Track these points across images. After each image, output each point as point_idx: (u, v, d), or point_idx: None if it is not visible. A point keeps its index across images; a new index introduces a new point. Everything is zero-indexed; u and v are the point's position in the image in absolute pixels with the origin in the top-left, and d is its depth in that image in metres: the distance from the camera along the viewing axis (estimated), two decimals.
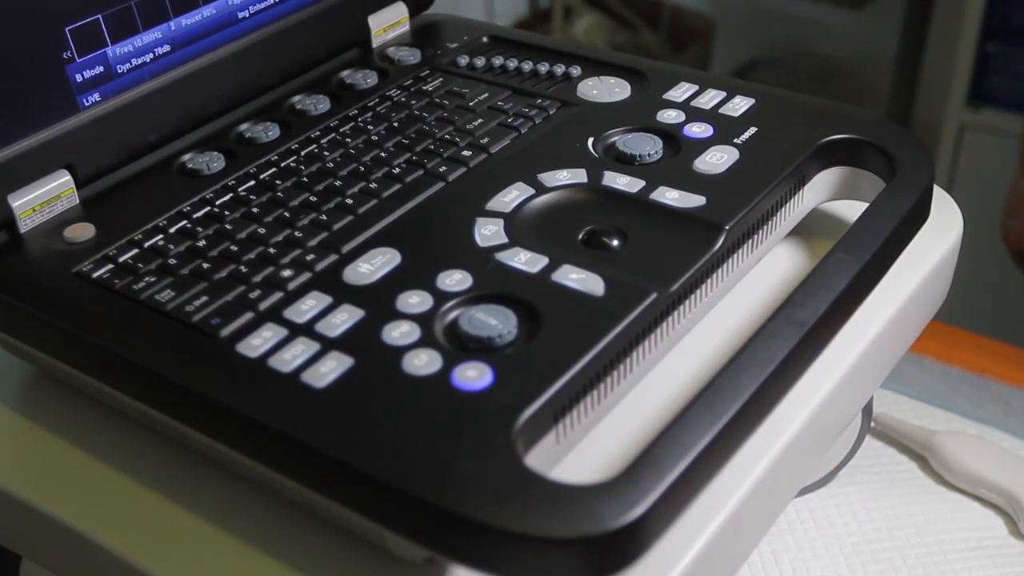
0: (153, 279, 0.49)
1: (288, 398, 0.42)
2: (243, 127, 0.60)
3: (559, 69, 0.64)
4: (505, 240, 0.50)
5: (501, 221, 0.51)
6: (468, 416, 0.41)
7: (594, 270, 0.47)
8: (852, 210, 0.58)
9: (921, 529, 0.66)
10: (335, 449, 0.40)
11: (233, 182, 0.55)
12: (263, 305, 0.47)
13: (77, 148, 0.54)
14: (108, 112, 0.56)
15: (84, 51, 0.54)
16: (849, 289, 0.48)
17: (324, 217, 0.52)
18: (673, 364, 0.50)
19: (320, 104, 0.62)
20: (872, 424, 0.73)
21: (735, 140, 0.56)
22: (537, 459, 0.41)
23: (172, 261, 0.50)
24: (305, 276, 0.48)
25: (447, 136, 0.58)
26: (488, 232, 0.50)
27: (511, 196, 0.53)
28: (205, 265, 0.49)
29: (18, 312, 0.50)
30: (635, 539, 0.38)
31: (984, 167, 1.82)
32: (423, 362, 0.43)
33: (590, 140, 0.57)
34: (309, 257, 0.49)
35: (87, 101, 0.55)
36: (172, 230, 0.52)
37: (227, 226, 0.52)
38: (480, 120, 0.59)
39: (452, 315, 0.46)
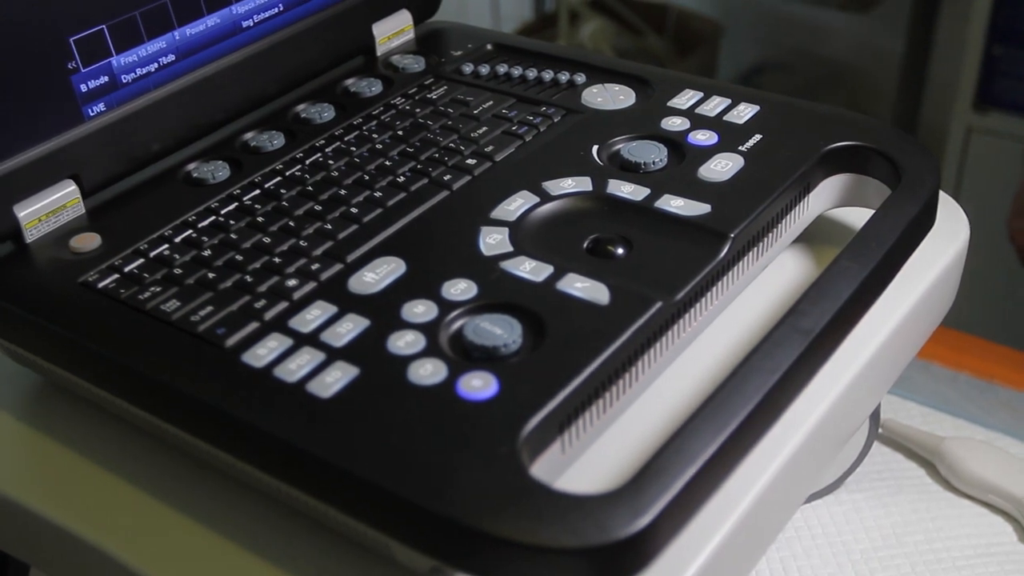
0: (159, 289, 0.49)
1: (293, 408, 0.43)
2: (248, 136, 0.60)
3: (564, 77, 0.64)
4: (510, 249, 0.50)
5: (506, 230, 0.51)
6: (473, 426, 0.41)
7: (599, 279, 0.48)
8: (858, 217, 0.58)
9: (929, 535, 0.67)
10: (340, 459, 0.40)
11: (238, 191, 0.56)
12: (268, 315, 0.47)
13: (82, 158, 0.55)
14: (113, 122, 0.56)
15: (89, 61, 0.54)
16: (855, 296, 0.48)
17: (329, 226, 0.52)
18: (678, 372, 0.50)
19: (325, 113, 0.62)
20: (880, 430, 0.73)
21: (740, 147, 0.56)
22: (542, 469, 0.41)
23: (178, 271, 0.50)
24: (310, 285, 0.48)
25: (452, 144, 0.58)
26: (493, 241, 0.50)
27: (516, 204, 0.53)
28: (210, 275, 0.50)
29: (24, 322, 0.50)
30: (642, 548, 0.38)
31: (991, 170, 1.82)
32: (428, 372, 0.43)
33: (595, 148, 0.57)
34: (314, 266, 0.49)
35: (92, 111, 0.55)
36: (178, 239, 0.52)
37: (232, 235, 0.52)
38: (484, 128, 0.59)
39: (457, 324, 0.46)
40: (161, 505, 0.48)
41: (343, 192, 0.54)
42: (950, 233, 0.59)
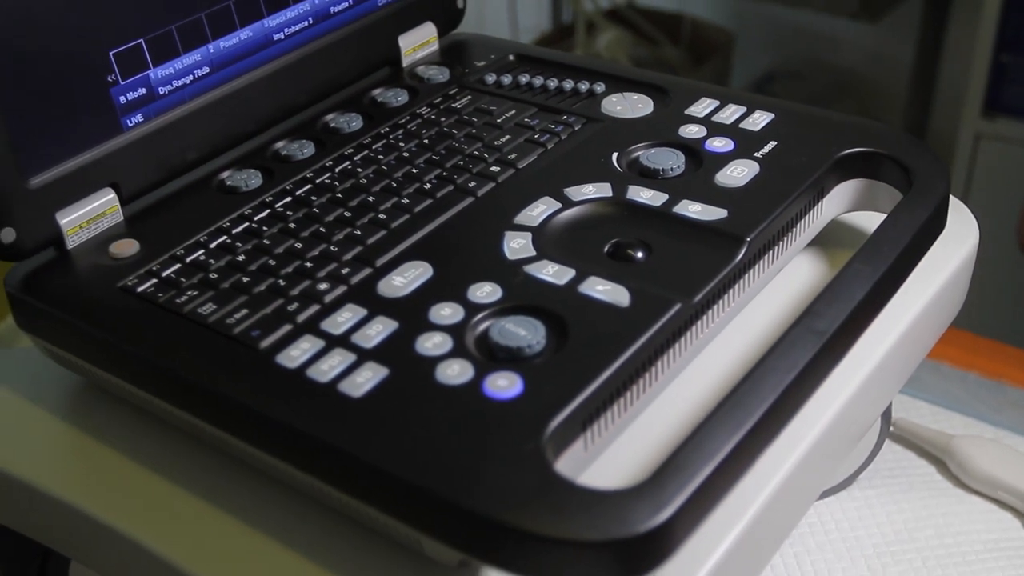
0: (195, 293, 0.49)
1: (326, 407, 0.43)
2: (279, 145, 0.61)
3: (584, 86, 0.64)
4: (533, 253, 0.50)
5: (529, 235, 0.51)
6: (499, 424, 0.41)
7: (620, 281, 0.48)
8: (870, 221, 0.58)
9: (940, 531, 0.67)
10: (372, 456, 0.41)
11: (270, 198, 0.56)
12: (301, 317, 0.47)
13: (121, 167, 0.55)
14: (150, 132, 0.56)
15: (127, 74, 0.55)
16: (867, 299, 0.48)
17: (358, 232, 0.52)
18: (697, 372, 0.50)
19: (353, 122, 0.62)
20: (891, 429, 0.73)
21: (755, 154, 0.56)
22: (566, 465, 0.41)
23: (213, 275, 0.50)
24: (341, 289, 0.49)
25: (476, 152, 0.58)
26: (517, 245, 0.51)
27: (538, 210, 0.53)
28: (245, 279, 0.50)
29: (66, 325, 0.50)
30: (662, 542, 0.38)
31: (1000, 176, 1.81)
32: (455, 372, 0.43)
33: (614, 155, 0.57)
34: (344, 271, 0.50)
35: (130, 122, 0.55)
36: (212, 245, 0.53)
37: (265, 241, 0.52)
38: (508, 136, 0.59)
39: (483, 326, 0.46)
40: (195, 499, 0.48)
41: (371, 199, 0.55)
42: (960, 237, 0.59)
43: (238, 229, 0.54)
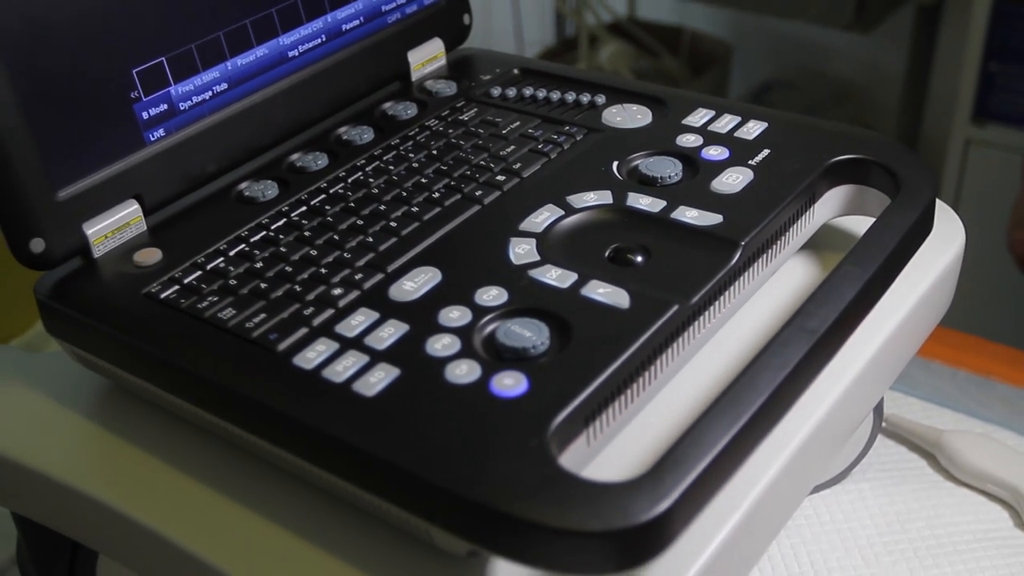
0: (216, 298, 0.50)
1: (341, 406, 0.43)
2: (294, 157, 0.61)
3: (585, 98, 0.64)
4: (537, 258, 0.50)
5: (533, 240, 0.51)
6: (506, 421, 0.41)
7: (620, 284, 0.48)
8: (860, 225, 0.58)
9: (931, 522, 0.67)
10: (385, 452, 0.41)
11: (286, 208, 0.56)
12: (316, 321, 0.47)
13: (144, 179, 0.55)
14: (172, 146, 0.56)
15: (149, 90, 0.55)
16: (857, 299, 0.48)
17: (370, 239, 0.52)
18: (694, 370, 0.50)
19: (364, 134, 0.62)
20: (884, 424, 0.73)
21: (749, 162, 0.56)
22: (570, 459, 0.42)
23: (232, 282, 0.51)
24: (354, 294, 0.49)
25: (482, 162, 0.58)
26: (521, 251, 0.51)
27: (542, 217, 0.53)
28: (262, 285, 0.50)
29: (93, 330, 0.50)
30: (661, 532, 0.38)
31: (989, 180, 1.81)
32: (463, 372, 0.44)
33: (615, 164, 0.57)
34: (357, 276, 0.50)
35: (152, 136, 0.55)
36: (232, 253, 0.53)
37: (282, 249, 0.53)
38: (512, 147, 0.59)
39: (489, 328, 0.46)
40: (217, 494, 0.48)
41: (383, 207, 0.55)
42: (947, 238, 0.59)
43: (256, 237, 0.54)
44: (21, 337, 0.88)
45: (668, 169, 0.56)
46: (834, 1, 1.76)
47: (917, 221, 0.53)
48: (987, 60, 1.78)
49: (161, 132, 0.56)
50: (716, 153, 0.57)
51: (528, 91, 0.66)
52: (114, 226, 0.54)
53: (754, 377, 0.44)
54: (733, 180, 0.55)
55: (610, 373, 0.43)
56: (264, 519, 0.47)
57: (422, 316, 0.47)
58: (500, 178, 0.57)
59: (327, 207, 0.56)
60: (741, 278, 0.51)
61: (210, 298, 0.50)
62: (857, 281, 0.49)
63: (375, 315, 0.47)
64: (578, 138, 0.60)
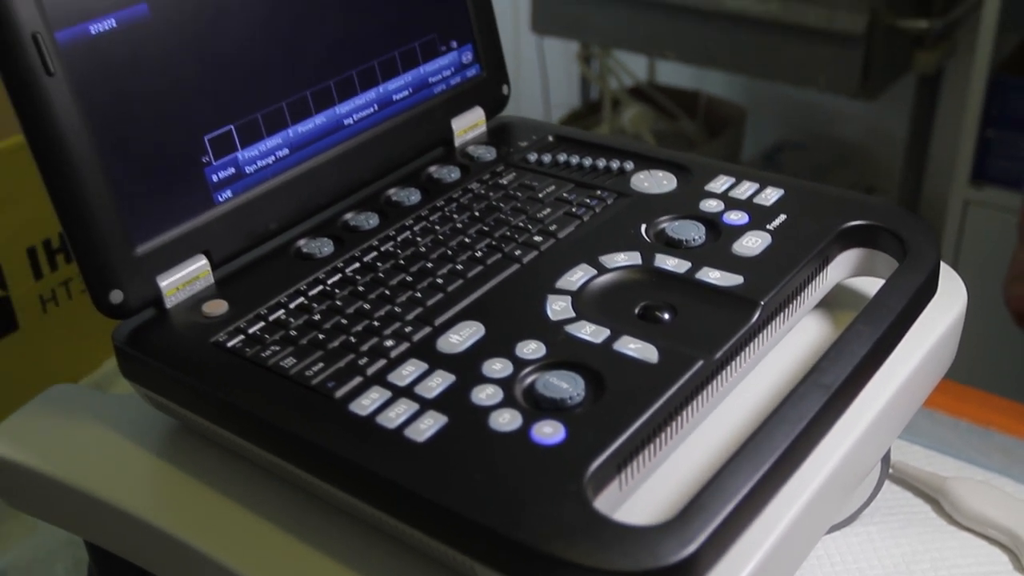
0: (277, 348, 0.50)
1: (393, 450, 0.44)
2: (348, 216, 0.61)
3: (615, 164, 0.64)
4: (572, 315, 0.51)
5: (569, 298, 0.52)
6: (545, 467, 0.42)
7: (649, 340, 0.48)
8: (870, 285, 0.58)
9: (935, 564, 0.66)
10: (434, 494, 0.41)
11: (341, 264, 0.56)
12: (370, 370, 0.48)
13: (212, 236, 0.55)
14: (238, 206, 0.57)
15: (219, 155, 0.56)
16: (868, 356, 0.49)
17: (419, 294, 0.53)
18: (718, 420, 0.50)
19: (412, 196, 0.62)
20: (890, 470, 0.73)
21: (768, 226, 0.56)
22: (604, 503, 0.42)
23: (293, 332, 0.51)
24: (404, 345, 0.49)
25: (521, 224, 0.59)
26: (558, 308, 0.51)
27: (576, 276, 0.53)
28: (320, 336, 0.50)
29: (165, 375, 0.51)
30: (688, 573, 0.39)
31: (987, 238, 1.81)
32: (506, 420, 0.44)
33: (643, 226, 0.58)
34: (407, 329, 0.50)
35: (221, 197, 0.56)
36: (292, 305, 0.53)
37: (338, 302, 0.53)
38: (548, 210, 0.60)
39: (529, 379, 0.47)
40: (276, 528, 0.49)
41: (430, 265, 0.55)
42: (950, 300, 0.59)
43: (314, 291, 0.54)
44: (90, 376, 0.90)
45: (692, 232, 0.56)
46: (841, 70, 1.76)
47: (923, 284, 0.53)
48: (984, 127, 1.78)
49: (229, 193, 0.57)
50: (736, 218, 0.58)
51: (562, 157, 0.66)
52: (185, 279, 0.55)
53: (773, 429, 0.44)
54: (753, 243, 0.55)
55: (641, 423, 0.44)
56: (319, 552, 0.47)
57: (467, 367, 0.47)
58: (537, 239, 0.57)
59: (379, 264, 0.56)
60: (760, 335, 0.51)
61: (272, 347, 0.50)
62: (868, 340, 0.49)
63: (424, 366, 0.48)
64: (609, 202, 0.61)
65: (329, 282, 0.55)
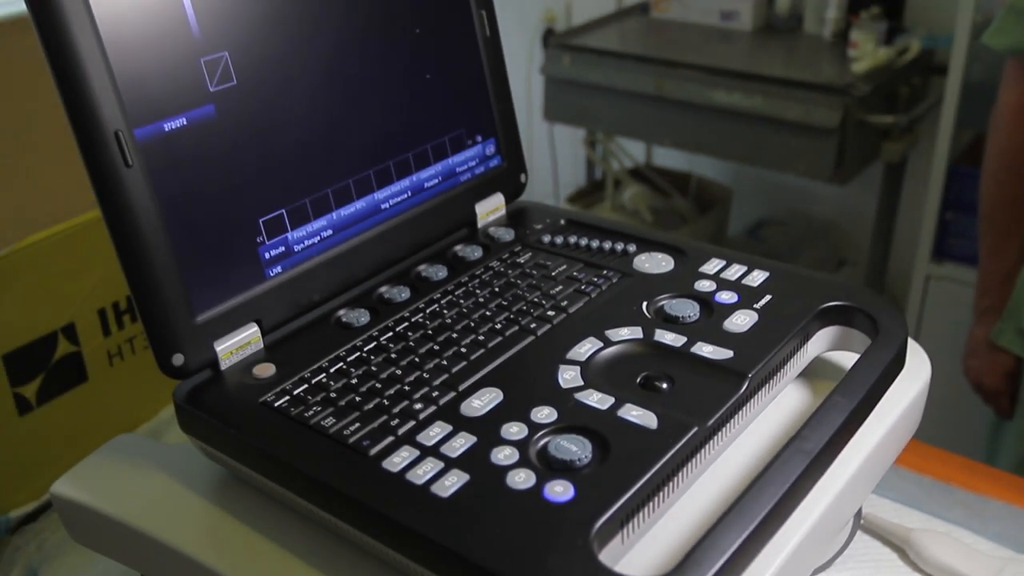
0: (319, 408, 0.50)
1: (420, 505, 0.43)
2: (382, 289, 0.61)
3: (619, 246, 0.64)
4: (581, 383, 0.50)
5: (578, 367, 0.52)
6: (556, 523, 0.42)
7: (649, 408, 0.48)
8: (846, 359, 0.58)
9: None
10: (456, 545, 0.41)
11: (376, 333, 0.56)
12: (401, 431, 0.48)
13: (263, 307, 0.56)
14: (286, 280, 0.57)
15: (271, 235, 0.56)
16: (844, 424, 0.49)
17: (445, 362, 0.53)
18: (711, 481, 0.50)
19: (439, 272, 0.62)
20: (861, 522, 0.72)
21: (755, 305, 0.56)
22: (608, 556, 0.42)
23: (332, 394, 0.51)
24: (432, 409, 0.49)
25: (535, 299, 0.58)
26: (568, 376, 0.51)
27: (585, 348, 0.53)
28: (357, 398, 0.50)
29: (218, 430, 0.51)
30: None
31: (947, 308, 1.80)
32: (521, 479, 0.44)
33: (644, 304, 0.57)
34: (434, 394, 0.50)
35: (272, 272, 0.56)
36: (332, 370, 0.53)
37: (373, 368, 0.53)
38: (560, 287, 0.60)
39: (542, 442, 0.46)
40: (310, 568, 0.48)
41: (455, 335, 0.55)
42: (916, 372, 0.59)
43: (351, 357, 0.54)
44: (148, 423, 0.90)
45: (688, 310, 0.56)
46: (817, 158, 1.78)
47: (892, 360, 0.53)
48: (944, 210, 1.79)
49: (279, 269, 0.57)
50: (727, 297, 0.57)
51: (572, 239, 0.66)
52: (238, 344, 0.55)
53: (761, 489, 0.44)
54: (742, 321, 0.55)
55: (642, 483, 0.44)
56: None
57: (487, 430, 0.47)
58: (550, 313, 0.57)
59: (409, 333, 0.56)
60: (748, 404, 0.51)
61: (314, 408, 0.50)
62: (843, 410, 0.49)
63: (449, 427, 0.48)
64: (614, 280, 0.61)
65: (365, 349, 0.55)
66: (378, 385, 0.52)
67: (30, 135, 0.83)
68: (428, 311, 0.59)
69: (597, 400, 0.49)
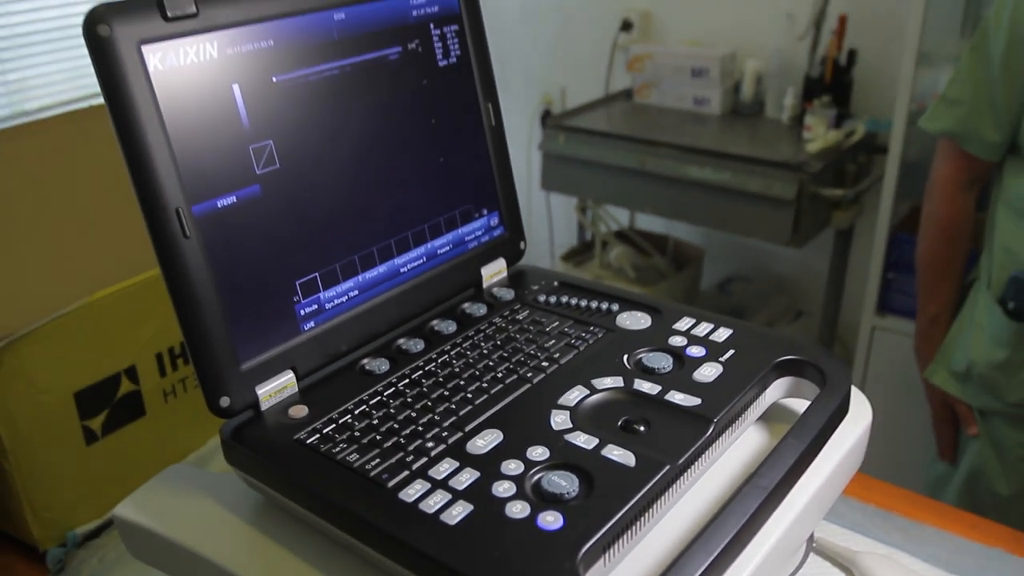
0: (345, 445, 0.50)
1: (431, 531, 0.44)
2: (400, 341, 0.61)
3: (604, 305, 0.64)
4: (570, 426, 0.51)
5: (567, 412, 0.52)
6: (547, 548, 0.42)
7: (628, 448, 0.48)
8: (798, 405, 0.58)
9: None
10: (462, 567, 0.41)
11: (395, 380, 0.56)
12: (415, 466, 0.48)
13: (298, 356, 0.56)
14: (318, 334, 0.57)
15: (306, 295, 0.56)
16: (796, 463, 0.49)
17: (453, 406, 0.53)
18: (681, 512, 0.50)
19: (449, 327, 0.62)
20: (814, 545, 0.72)
21: (720, 358, 0.56)
22: None
23: (356, 433, 0.51)
24: (441, 447, 0.49)
25: (532, 351, 0.59)
26: (559, 420, 0.51)
27: (574, 395, 0.54)
28: (377, 437, 0.51)
29: (259, 463, 0.51)
30: None
31: (890, 355, 1.80)
32: (518, 509, 0.44)
33: (625, 356, 0.58)
34: (444, 434, 0.50)
35: (305, 327, 0.57)
36: (357, 411, 0.53)
37: (391, 410, 0.53)
38: (553, 341, 0.60)
39: (536, 477, 0.47)
40: None
41: (462, 382, 0.55)
42: (859, 416, 0.59)
43: (373, 401, 0.54)
44: (196, 452, 0.90)
45: (662, 362, 0.56)
46: (777, 225, 1.79)
47: (838, 407, 0.53)
48: (887, 270, 1.80)
49: (312, 324, 0.57)
50: (696, 351, 0.58)
51: (564, 298, 0.66)
52: (276, 389, 0.55)
53: (725, 519, 0.44)
54: (709, 372, 0.55)
55: (622, 514, 0.44)
56: None
57: (489, 466, 0.47)
58: (544, 364, 0.57)
59: (423, 380, 0.56)
60: (714, 445, 0.51)
61: (341, 444, 0.50)
62: (796, 450, 0.49)
63: (456, 463, 0.48)
64: (599, 336, 0.61)
65: (385, 394, 0.55)
66: (396, 425, 0.52)
67: (101, 207, 0.85)
68: (439, 361, 0.59)
69: (583, 441, 0.49)
